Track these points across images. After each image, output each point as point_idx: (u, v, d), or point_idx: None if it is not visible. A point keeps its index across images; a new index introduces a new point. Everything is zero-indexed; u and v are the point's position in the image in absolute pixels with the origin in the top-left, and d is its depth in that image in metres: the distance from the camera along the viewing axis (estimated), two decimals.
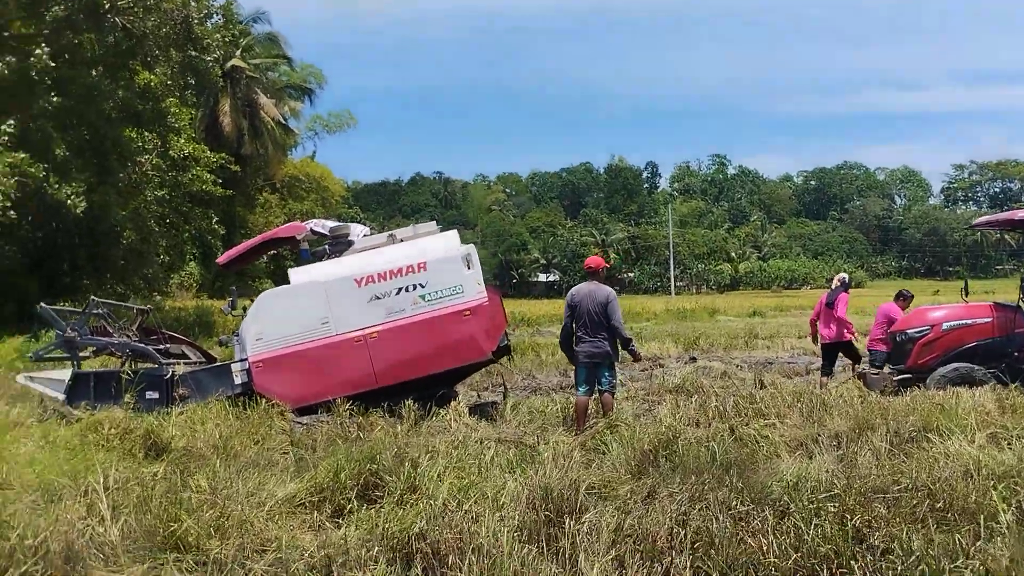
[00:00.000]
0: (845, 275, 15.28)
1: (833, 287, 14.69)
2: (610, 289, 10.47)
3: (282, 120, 50.60)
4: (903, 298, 14.83)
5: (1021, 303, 12.94)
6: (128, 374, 11.20)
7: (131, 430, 9.11)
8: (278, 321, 11.36)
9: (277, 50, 52.55)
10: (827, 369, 14.43)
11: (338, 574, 4.76)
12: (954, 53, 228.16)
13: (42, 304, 12.18)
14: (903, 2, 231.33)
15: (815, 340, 15.34)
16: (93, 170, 25.54)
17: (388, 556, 5.19)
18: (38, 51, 21.79)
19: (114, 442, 8.81)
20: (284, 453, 8.65)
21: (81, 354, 12.01)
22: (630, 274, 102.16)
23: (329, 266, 11.78)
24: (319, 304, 11.28)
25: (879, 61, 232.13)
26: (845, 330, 14.12)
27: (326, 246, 12.39)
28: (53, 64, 22.50)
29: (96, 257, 27.54)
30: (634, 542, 5.52)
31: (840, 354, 14.44)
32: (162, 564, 5.06)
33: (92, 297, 12.68)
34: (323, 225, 13.03)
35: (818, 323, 14.71)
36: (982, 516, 5.43)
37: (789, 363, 18.96)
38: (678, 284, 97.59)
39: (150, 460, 8.32)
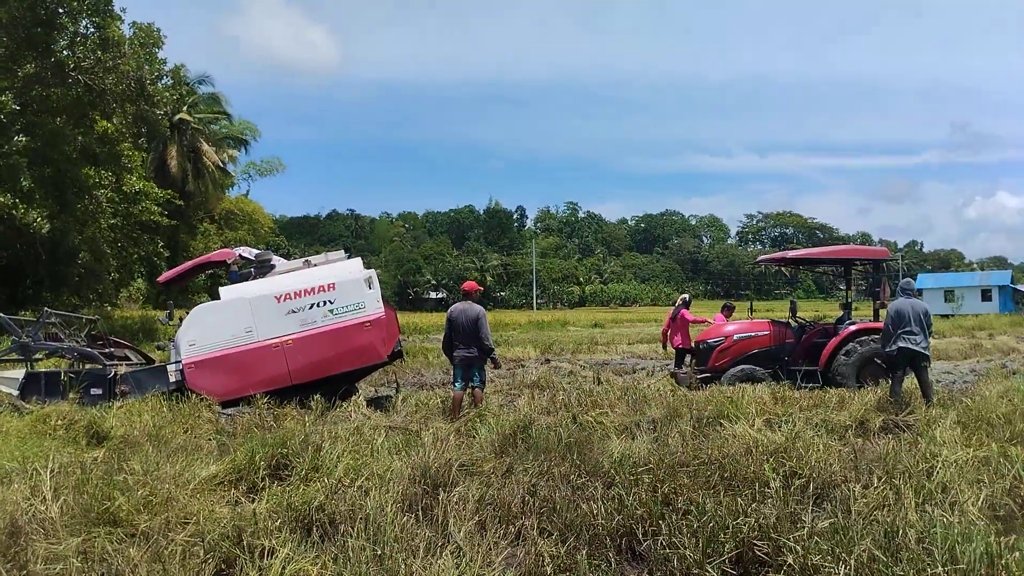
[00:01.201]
0: (687, 295, 15.71)
1: (676, 304, 15.09)
2: (481, 308, 10.44)
3: (221, 164, 48.78)
4: (728, 308, 15.43)
5: (791, 320, 13.55)
6: (74, 374, 10.53)
7: (75, 421, 8.51)
8: (209, 329, 10.92)
9: (218, 107, 50.76)
10: (679, 365, 14.53)
11: (247, 541, 4.51)
12: (748, 129, 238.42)
13: (1, 314, 11.33)
14: (713, 90, 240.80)
15: (665, 347, 15.58)
16: (55, 200, 24.19)
17: (291, 526, 4.96)
18: (3, 98, 20.46)
19: (60, 432, 8.21)
20: (209, 440, 8.23)
21: (35, 357, 11.24)
22: (502, 293, 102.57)
23: (254, 285, 11.40)
24: (245, 316, 10.92)
25: (695, 133, 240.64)
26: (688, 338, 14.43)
27: (252, 269, 11.96)
28: (19, 110, 21.18)
29: (55, 274, 25.91)
30: (494, 509, 5.45)
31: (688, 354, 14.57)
32: (95, 537, 4.69)
33: (45, 308, 11.89)
34: (250, 252, 12.58)
35: (668, 333, 15.01)
36: (757, 483, 5.58)
37: (620, 364, 19.31)
38: (539, 301, 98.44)
39: (91, 447, 7.79)
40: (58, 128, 23.44)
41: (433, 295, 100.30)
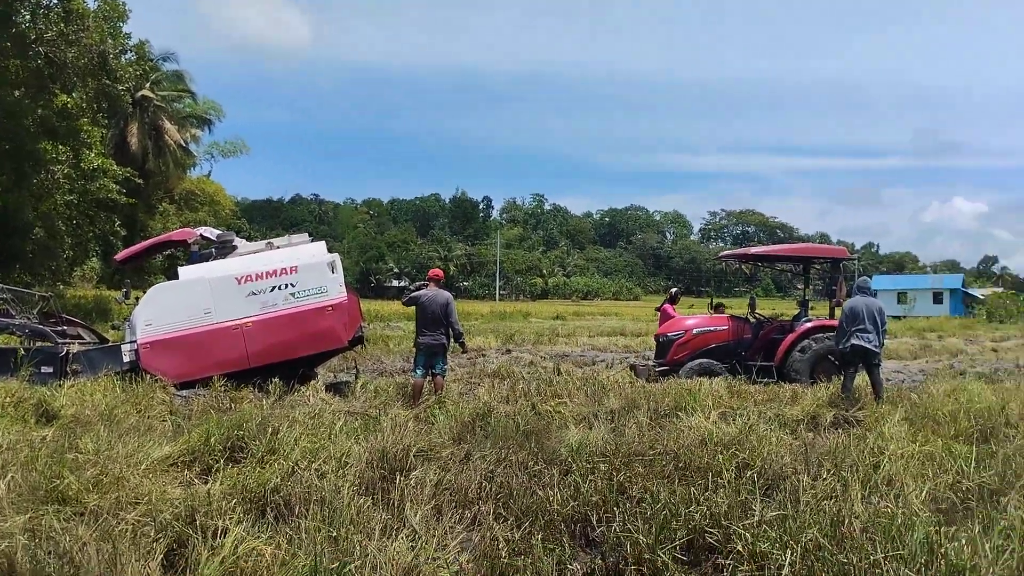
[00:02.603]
0: (674, 289, 15.95)
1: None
2: (449, 294, 10.47)
3: (183, 144, 47.84)
4: (672, 298, 15.64)
5: (749, 316, 13.77)
6: (25, 351, 10.27)
7: (24, 399, 8.31)
8: (167, 310, 10.73)
9: (182, 85, 49.68)
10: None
11: (200, 521, 4.46)
12: (717, 128, 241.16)
13: None
14: (684, 89, 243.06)
15: None
16: (10, 175, 23.55)
17: (245, 507, 4.92)
18: None
19: (8, 410, 8.01)
20: (163, 421, 8.10)
21: None
22: (465, 283, 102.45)
23: (215, 266, 11.23)
24: (204, 297, 10.75)
25: (664, 130, 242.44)
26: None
27: (213, 249, 11.78)
28: None
29: (7, 249, 25.23)
30: (451, 494, 5.47)
31: None
32: (43, 515, 4.61)
33: None
34: (211, 232, 12.38)
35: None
36: (711, 474, 5.68)
37: (581, 356, 19.45)
38: (502, 292, 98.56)
39: (41, 426, 7.61)
40: (16, 100, 22.82)
41: (396, 283, 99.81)
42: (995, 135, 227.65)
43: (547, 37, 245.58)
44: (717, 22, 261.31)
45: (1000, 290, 65.50)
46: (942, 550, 4.05)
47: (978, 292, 68.14)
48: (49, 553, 4.12)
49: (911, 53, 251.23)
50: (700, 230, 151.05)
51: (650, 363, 13.52)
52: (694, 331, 13.32)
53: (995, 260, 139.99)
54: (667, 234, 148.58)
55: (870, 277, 57.48)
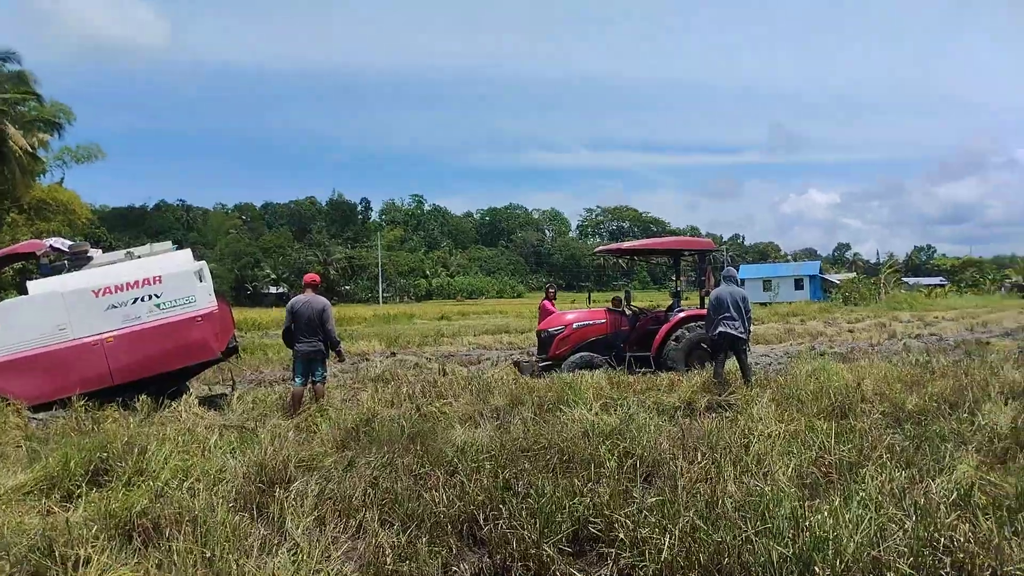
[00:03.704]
0: (551, 287, 16.17)
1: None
2: (325, 300, 10.20)
3: (30, 149, 44.49)
4: (548, 292, 15.93)
5: (625, 309, 14.16)
6: None
7: None
8: (16, 328, 9.95)
9: (26, 87, 46.06)
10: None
11: (59, 552, 4.15)
12: (585, 126, 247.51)
13: None
14: (550, 87, 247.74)
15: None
16: None
17: (110, 533, 4.62)
18: None
19: None
20: (17, 447, 7.50)
21: None
22: (347, 287, 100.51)
23: (68, 278, 10.50)
24: (57, 312, 10.04)
25: (534, 129, 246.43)
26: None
27: (65, 261, 11.01)
28: None
29: None
30: (334, 503, 5.33)
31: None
32: None
33: None
34: (63, 243, 11.57)
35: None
36: (593, 464, 5.81)
37: (466, 355, 19.47)
38: (385, 295, 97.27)
39: None
40: None
41: (273, 289, 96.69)
42: (840, 131, 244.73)
43: (417, 36, 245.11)
44: (577, 19, 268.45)
45: (853, 275, 70.40)
46: (807, 523, 4.29)
47: (834, 277, 73.00)
48: None
49: (760, 50, 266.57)
50: (578, 227, 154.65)
51: (533, 359, 13.68)
52: (574, 325, 13.57)
53: (848, 247, 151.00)
54: (546, 231, 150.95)
55: (737, 267, 60.51)
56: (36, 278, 10.74)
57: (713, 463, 5.83)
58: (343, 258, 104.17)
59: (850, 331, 25.04)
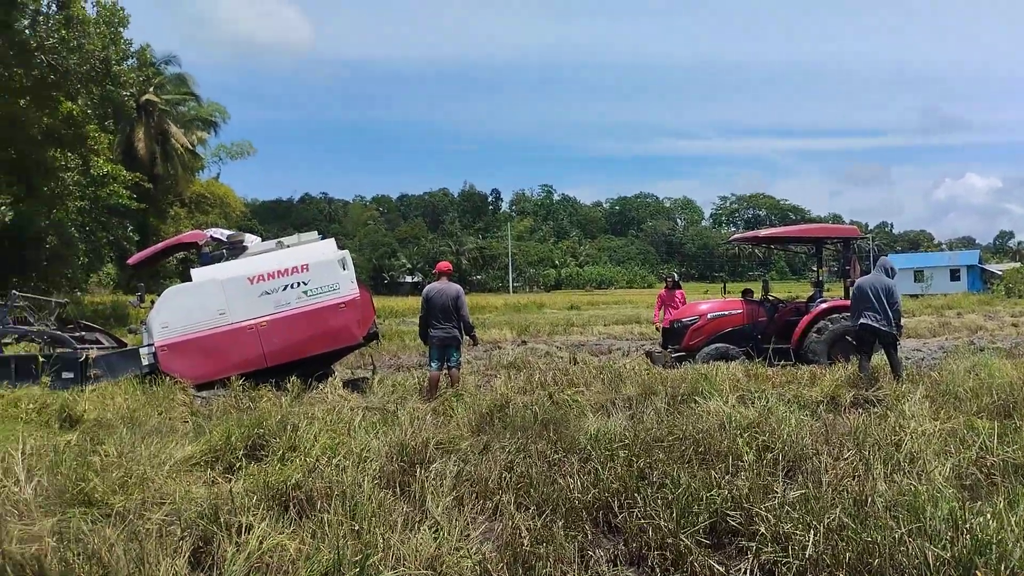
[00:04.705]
0: (670, 274, 15.99)
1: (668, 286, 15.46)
2: (458, 286, 10.47)
3: (190, 147, 48.17)
4: (667, 282, 15.65)
5: (763, 299, 13.71)
6: (45, 357, 10.40)
7: (47, 405, 8.43)
8: (182, 312, 10.83)
9: (186, 88, 49.96)
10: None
11: (224, 519, 4.51)
12: (719, 112, 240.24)
13: None
14: (683, 73, 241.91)
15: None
16: (20, 184, 23.74)
17: (268, 504, 4.96)
18: None
19: (32, 416, 8.12)
20: (184, 422, 8.19)
21: (4, 341, 11.07)
22: (478, 276, 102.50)
23: (226, 267, 11.31)
24: (217, 298, 10.84)
25: (666, 116, 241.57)
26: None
27: (224, 250, 11.86)
28: None
29: (22, 259, 25.48)
30: (471, 485, 5.49)
31: None
32: (70, 517, 4.67)
33: (13, 292, 11.70)
34: (221, 233, 12.47)
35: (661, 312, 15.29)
36: (731, 457, 5.69)
37: (596, 345, 19.44)
38: (514, 284, 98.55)
39: (64, 431, 7.70)
40: (21, 109, 22.95)
41: (408, 279, 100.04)
42: (1001, 111, 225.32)
43: (544, 24, 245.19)
44: (712, 3, 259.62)
45: (1018, 265, 64.75)
46: (967, 525, 4.03)
47: (996, 268, 67.50)
48: (78, 555, 4.17)
49: (912, 31, 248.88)
50: (711, 215, 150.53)
51: (668, 349, 13.48)
52: (708, 316, 13.28)
53: (1011, 235, 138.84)
54: (678, 220, 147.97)
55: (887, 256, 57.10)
56: (197, 266, 11.62)
57: (861, 460, 5.57)
58: (474, 248, 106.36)
59: (1014, 325, 23.13)
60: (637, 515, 4.70)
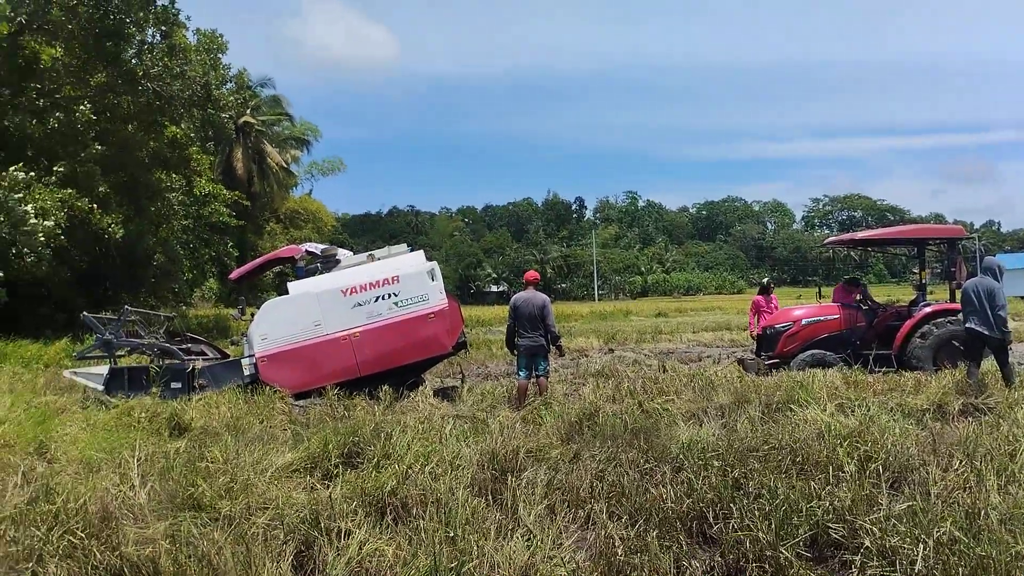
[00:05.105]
0: (765, 279, 15.63)
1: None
2: (545, 296, 10.51)
3: (285, 165, 50.15)
4: (763, 288, 15.22)
5: (861, 304, 13.19)
6: (156, 368, 10.97)
7: (158, 414, 8.90)
8: (280, 324, 11.24)
9: (280, 109, 52.11)
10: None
11: (324, 524, 4.66)
12: (806, 113, 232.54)
13: (85, 313, 11.87)
14: (765, 74, 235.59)
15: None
16: (129, 205, 25.21)
17: (366, 510, 5.10)
18: (82, 108, 21.49)
19: (144, 424, 8.58)
20: (284, 430, 8.47)
21: (118, 353, 11.74)
22: (563, 285, 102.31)
23: (321, 280, 11.68)
24: (313, 310, 11.20)
25: (751, 118, 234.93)
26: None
27: (318, 264, 12.26)
28: (95, 119, 22.16)
29: (132, 275, 27.03)
30: (562, 494, 5.50)
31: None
32: (181, 521, 4.92)
33: (125, 307, 12.40)
34: (316, 247, 12.90)
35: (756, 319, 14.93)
36: (831, 467, 5.50)
37: (686, 352, 19.13)
38: (600, 292, 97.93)
39: (174, 438, 8.11)
40: (130, 134, 24.38)
41: (494, 288, 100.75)
42: None
43: (621, 30, 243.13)
44: (795, 3, 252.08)
45: None
46: None
47: None
48: (189, 557, 4.38)
49: (1014, 24, 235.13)
50: (803, 218, 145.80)
51: (761, 356, 13.14)
52: (803, 321, 12.88)
53: None
54: (768, 224, 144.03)
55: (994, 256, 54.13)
56: (293, 280, 12.05)
57: (972, 471, 5.30)
58: (559, 256, 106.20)
59: None
60: (734, 526, 4.60)
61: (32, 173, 19.10)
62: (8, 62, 19.90)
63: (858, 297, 13.19)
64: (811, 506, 4.67)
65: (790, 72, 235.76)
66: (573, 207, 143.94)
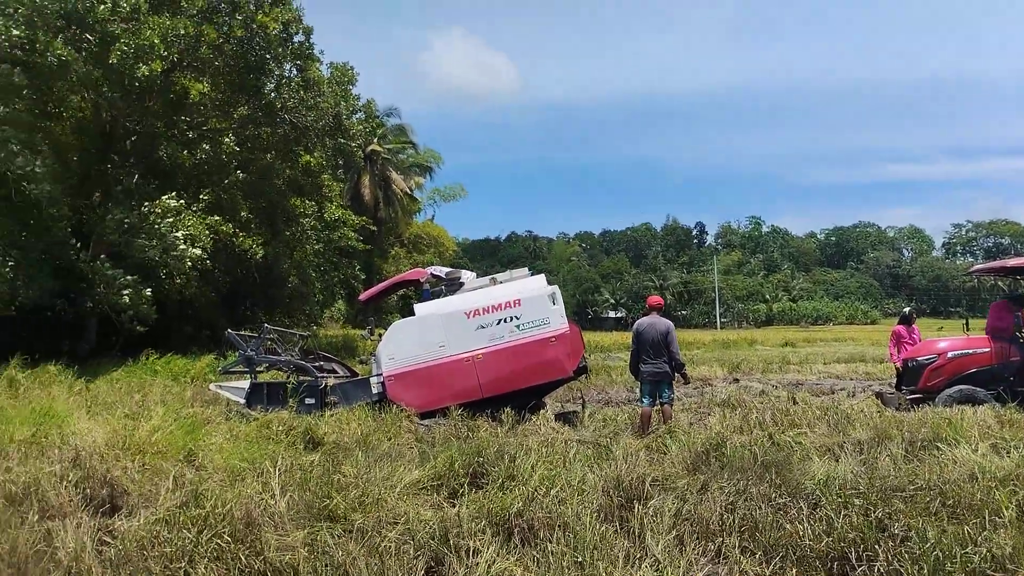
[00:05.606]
0: (906, 310, 14.82)
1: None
2: (669, 322, 10.34)
3: (409, 191, 51.87)
4: (905, 318, 14.36)
5: (1016, 335, 12.23)
6: (292, 384, 11.51)
7: (294, 427, 9.32)
8: (406, 344, 11.56)
9: (405, 137, 54.12)
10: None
11: (453, 542, 4.74)
12: (944, 134, 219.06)
13: (229, 331, 12.63)
14: (896, 92, 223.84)
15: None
16: (267, 229, 26.75)
17: (493, 529, 5.15)
18: (226, 139, 23.06)
19: (281, 437, 9.01)
20: (410, 447, 8.71)
21: (258, 369, 12.40)
22: (683, 312, 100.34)
23: (445, 302, 11.96)
24: (438, 332, 11.47)
25: (881, 140, 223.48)
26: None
27: (442, 287, 12.57)
28: (238, 149, 23.71)
29: (268, 296, 28.62)
30: (691, 525, 5.37)
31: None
32: (318, 531, 5.12)
33: (265, 325, 13.09)
34: (441, 271, 13.24)
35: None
36: (987, 512, 5.11)
37: (817, 384, 18.29)
38: (722, 320, 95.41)
39: (308, 451, 8.49)
40: (269, 163, 25.94)
41: (612, 314, 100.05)
42: None
43: (746, 54, 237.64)
44: (927, 19, 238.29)
45: None
46: None
47: None
48: (326, 565, 4.55)
49: None
50: (943, 245, 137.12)
51: (902, 391, 12.39)
52: (948, 355, 12.04)
53: None
54: (904, 251, 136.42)
55: None
56: (418, 302, 12.40)
57: None
58: (679, 283, 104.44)
59: None
60: (879, 570, 4.35)
61: (182, 201, 20.60)
62: (161, 97, 21.58)
63: (1019, 322, 12.24)
64: (966, 552, 4.36)
65: (923, 89, 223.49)
66: (693, 232, 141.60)
